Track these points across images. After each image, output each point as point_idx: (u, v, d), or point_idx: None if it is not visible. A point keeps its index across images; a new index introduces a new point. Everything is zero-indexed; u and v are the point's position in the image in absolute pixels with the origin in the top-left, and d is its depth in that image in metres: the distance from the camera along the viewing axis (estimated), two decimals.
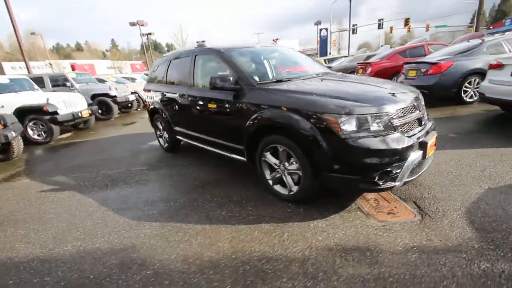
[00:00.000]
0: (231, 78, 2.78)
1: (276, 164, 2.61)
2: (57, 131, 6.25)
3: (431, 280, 1.58)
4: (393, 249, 1.85)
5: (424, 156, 2.24)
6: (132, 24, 28.34)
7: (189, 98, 3.53)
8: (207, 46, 3.54)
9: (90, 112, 7.19)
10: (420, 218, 2.16)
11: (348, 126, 2.04)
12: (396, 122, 2.13)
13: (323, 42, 20.35)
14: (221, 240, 2.13)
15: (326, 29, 21.07)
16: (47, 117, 6.03)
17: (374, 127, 2.06)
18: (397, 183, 2.12)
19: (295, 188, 2.49)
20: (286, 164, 2.51)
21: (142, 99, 11.26)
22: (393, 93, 2.33)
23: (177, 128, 4.15)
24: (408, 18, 28.75)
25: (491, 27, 34.13)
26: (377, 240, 1.96)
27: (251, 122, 2.62)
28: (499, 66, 4.09)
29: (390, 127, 2.10)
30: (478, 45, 5.64)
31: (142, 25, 28.44)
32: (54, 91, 8.34)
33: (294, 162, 2.43)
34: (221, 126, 3.16)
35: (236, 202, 2.71)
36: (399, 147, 2.05)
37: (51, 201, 3.18)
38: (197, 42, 3.69)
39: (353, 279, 1.63)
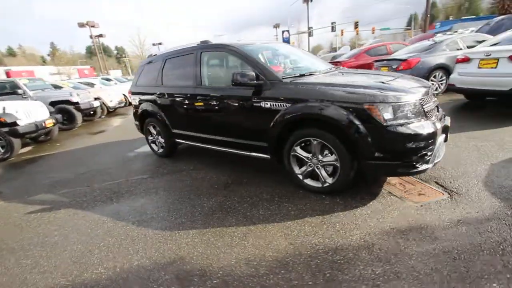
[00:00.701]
0: (253, 74, 2.71)
1: (307, 158, 2.61)
2: (18, 144, 5.39)
3: (489, 246, 1.73)
4: (443, 225, 1.99)
5: (446, 139, 2.46)
6: (81, 25, 25.78)
7: (197, 98, 3.35)
8: (213, 42, 3.41)
9: (54, 121, 6.37)
10: (449, 196, 2.37)
11: (388, 114, 2.14)
12: (426, 108, 2.30)
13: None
14: (276, 239, 2.06)
15: (288, 31, 21.86)
16: (5, 129, 5.17)
17: (410, 113, 2.19)
18: (429, 165, 2.28)
19: (330, 180, 2.53)
20: (320, 156, 2.53)
21: (106, 106, 10.34)
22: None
23: (176, 131, 3.90)
24: (357, 22, 31.30)
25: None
26: (424, 219, 2.09)
27: (281, 117, 2.59)
28: (466, 60, 4.68)
29: (422, 113, 2.25)
30: (439, 43, 6.38)
31: (93, 26, 26.04)
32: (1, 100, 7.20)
33: (329, 154, 2.47)
34: (239, 124, 3.06)
35: (269, 200, 2.65)
36: (432, 131, 2.21)
37: (47, 222, 2.73)
38: (200, 42, 3.52)
39: (424, 256, 1.71)
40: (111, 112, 10.90)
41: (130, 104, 5.10)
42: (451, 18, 48.68)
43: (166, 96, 3.83)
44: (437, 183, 2.60)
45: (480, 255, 1.66)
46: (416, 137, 2.14)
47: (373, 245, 1.87)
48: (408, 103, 2.19)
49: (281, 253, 1.91)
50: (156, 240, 2.22)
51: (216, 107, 3.17)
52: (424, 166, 2.25)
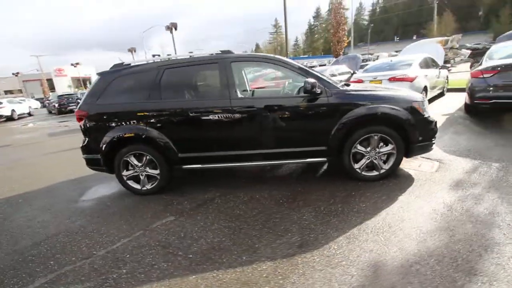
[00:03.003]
0: (318, 83, 2.87)
1: (366, 152, 3.06)
2: None
3: (459, 174, 2.86)
4: (469, 180, 3.01)
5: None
6: None
7: (236, 110, 2.98)
8: (236, 52, 3.18)
9: None
10: (439, 162, 3.52)
11: (424, 108, 3.02)
12: None
13: None
14: (402, 240, 2.11)
15: (159, 55, 20.80)
16: None
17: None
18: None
19: (386, 166, 3.08)
20: (377, 149, 3.05)
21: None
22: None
23: (185, 155, 3.17)
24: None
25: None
26: (459, 178, 3.03)
27: (346, 120, 2.90)
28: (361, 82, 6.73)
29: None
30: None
31: None
32: None
33: (385, 145, 3.03)
34: (298, 133, 3.05)
35: (347, 203, 2.70)
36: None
37: None
38: (220, 52, 3.15)
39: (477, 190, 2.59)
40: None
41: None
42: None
43: (174, 113, 3.09)
44: (423, 157, 3.76)
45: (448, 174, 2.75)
46: (435, 122, 3.13)
47: (465, 200, 2.58)
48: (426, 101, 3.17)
49: (423, 247, 2.24)
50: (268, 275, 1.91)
51: (267, 119, 2.99)
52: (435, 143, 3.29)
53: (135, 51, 30.84)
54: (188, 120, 3.10)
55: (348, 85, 3.40)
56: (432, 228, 2.19)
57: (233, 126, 3.05)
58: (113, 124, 3.19)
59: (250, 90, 3.82)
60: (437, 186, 2.88)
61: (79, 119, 3.31)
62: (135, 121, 3.15)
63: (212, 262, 2.02)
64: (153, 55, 21.91)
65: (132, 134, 3.15)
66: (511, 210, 2.31)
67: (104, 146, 3.22)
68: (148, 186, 3.36)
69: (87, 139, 3.36)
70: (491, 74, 4.84)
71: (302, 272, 1.85)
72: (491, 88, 4.81)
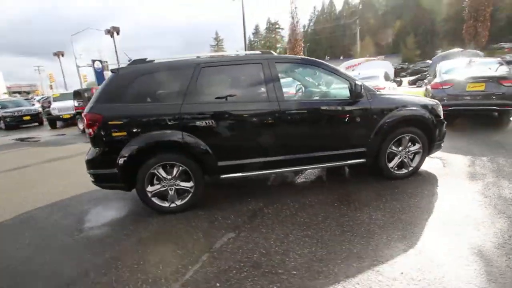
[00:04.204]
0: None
1: (398, 152, 3.28)
2: None
3: (502, 173, 3.43)
4: (477, 171, 3.51)
5: None
6: None
7: (286, 113, 2.83)
8: (276, 54, 3.06)
9: None
10: (441, 160, 4.03)
11: (441, 111, 3.43)
12: None
13: (99, 74, 17.47)
14: (481, 224, 2.33)
15: (101, 61, 18.05)
16: None
17: None
18: None
19: (414, 164, 3.36)
20: (406, 149, 3.30)
21: None
22: None
23: (225, 163, 2.86)
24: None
25: None
26: (467, 170, 3.50)
27: (386, 121, 3.08)
28: None
29: None
30: None
31: None
32: None
33: (412, 145, 3.31)
34: (341, 135, 3.07)
35: (399, 200, 2.82)
36: None
37: None
38: (261, 52, 2.97)
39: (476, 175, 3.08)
40: None
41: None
42: None
43: (215, 117, 2.76)
44: None
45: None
46: (445, 123, 3.59)
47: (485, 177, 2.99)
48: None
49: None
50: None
51: (313, 122, 2.95)
52: None
53: (63, 55, 26.55)
54: (231, 124, 2.82)
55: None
56: (487, 212, 2.46)
57: (279, 130, 2.90)
58: (138, 130, 2.67)
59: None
60: (457, 178, 3.27)
61: (90, 125, 2.66)
62: (166, 126, 2.70)
63: (326, 274, 1.83)
64: (93, 60, 19.33)
65: (165, 142, 2.68)
66: None
67: (125, 157, 2.65)
68: (178, 202, 2.88)
69: (99, 149, 2.72)
70: (448, 86, 5.86)
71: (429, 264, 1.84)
72: (448, 98, 5.80)
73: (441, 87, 5.95)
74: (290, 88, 4.35)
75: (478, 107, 5.60)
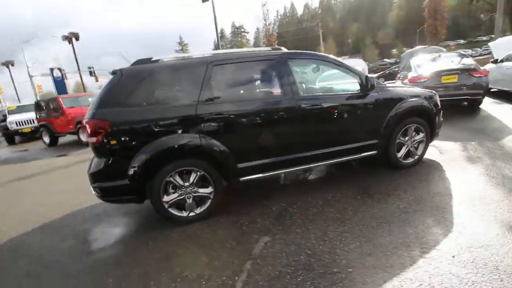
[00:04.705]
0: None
1: (405, 141, 3.39)
2: None
3: (495, 155, 3.71)
4: (473, 155, 3.76)
5: None
6: None
7: (303, 109, 2.77)
8: (286, 50, 2.99)
9: None
10: (438, 150, 4.27)
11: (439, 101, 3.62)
12: None
13: (59, 83, 15.84)
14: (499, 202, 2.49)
15: (60, 69, 16.31)
16: None
17: None
18: None
19: (419, 152, 3.49)
20: (412, 138, 3.42)
21: None
22: None
23: (244, 165, 2.71)
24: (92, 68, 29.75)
25: None
26: (464, 155, 3.74)
27: (396, 113, 3.16)
28: None
29: None
30: None
31: None
32: None
33: (417, 134, 3.44)
34: (355, 129, 3.09)
35: (416, 187, 2.91)
36: None
37: None
38: (271, 49, 2.87)
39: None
40: None
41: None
42: None
43: (234, 116, 2.61)
44: None
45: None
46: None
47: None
48: None
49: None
50: None
51: (330, 118, 2.93)
52: None
53: (12, 65, 23.73)
54: (249, 124, 2.69)
55: None
56: (501, 191, 2.62)
57: (297, 127, 2.84)
58: (151, 136, 2.42)
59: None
60: (459, 163, 3.46)
61: (94, 134, 2.34)
62: (182, 129, 2.49)
63: (382, 268, 1.78)
64: (51, 69, 17.62)
65: (182, 146, 2.47)
66: None
67: (138, 166, 2.38)
68: (197, 211, 2.67)
69: (106, 160, 2.41)
70: (425, 79, 6.27)
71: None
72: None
73: (418, 81, 6.35)
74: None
75: (453, 97, 6.06)
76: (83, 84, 22.65)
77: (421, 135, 3.46)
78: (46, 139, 9.26)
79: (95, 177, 2.45)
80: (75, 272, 2.11)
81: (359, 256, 1.94)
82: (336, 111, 2.98)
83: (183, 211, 2.65)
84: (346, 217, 2.48)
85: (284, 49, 3.02)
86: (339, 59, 3.26)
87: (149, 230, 2.65)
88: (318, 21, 50.24)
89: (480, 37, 40.08)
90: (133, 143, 2.40)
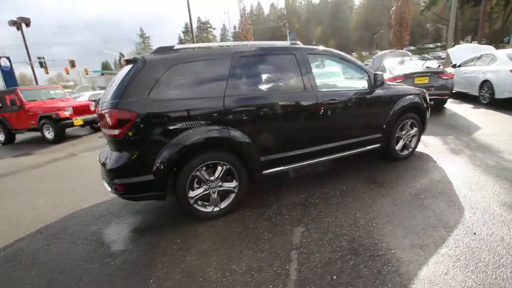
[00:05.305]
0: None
1: (402, 135, 3.68)
2: None
3: (472, 147, 4.21)
4: (455, 148, 4.21)
5: None
6: None
7: (322, 103, 2.86)
8: (302, 45, 3.05)
9: None
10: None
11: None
12: None
13: (7, 74, 13.65)
14: (495, 184, 3.06)
15: (9, 58, 13.94)
16: None
17: None
18: None
19: (412, 145, 3.83)
20: (408, 132, 3.74)
21: None
22: None
23: (267, 158, 2.73)
24: (73, 61, 28.08)
25: None
26: (447, 148, 4.18)
27: (398, 108, 3.42)
28: None
29: None
30: None
31: None
32: None
33: (411, 128, 3.77)
34: (363, 123, 3.28)
35: (419, 176, 3.28)
36: None
37: None
38: (290, 44, 2.90)
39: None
40: None
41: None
42: None
43: (259, 108, 2.59)
44: None
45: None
46: None
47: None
48: None
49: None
50: None
51: (344, 112, 3.06)
52: None
53: None
54: (273, 116, 2.71)
55: None
56: (489, 177, 3.01)
57: (317, 120, 2.92)
58: (178, 128, 2.31)
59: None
60: (445, 155, 3.87)
61: (118, 125, 2.16)
62: (210, 121, 2.41)
63: (422, 247, 1.95)
64: None
65: (212, 138, 2.39)
66: (502, 155, 3.51)
67: (165, 159, 2.26)
68: (222, 206, 2.61)
69: (129, 154, 2.23)
70: (400, 80, 6.84)
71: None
72: None
73: (395, 81, 6.91)
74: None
75: None
76: (35, 76, 20.18)
77: (415, 129, 3.80)
78: (1, 136, 8.13)
79: (117, 172, 2.26)
80: (107, 276, 1.93)
81: (394, 238, 2.09)
82: (350, 105, 3.14)
83: (207, 207, 2.57)
84: (367, 205, 2.64)
85: (301, 44, 3.09)
86: (350, 56, 3.44)
87: (171, 227, 2.52)
88: (285, 21, 51.44)
89: (428, 45, 44.81)
90: (160, 135, 2.27)
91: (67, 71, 25.57)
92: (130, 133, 2.18)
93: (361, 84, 3.33)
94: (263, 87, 2.80)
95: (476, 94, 7.31)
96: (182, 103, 2.35)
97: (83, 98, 11.65)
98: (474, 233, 2.08)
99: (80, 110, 7.79)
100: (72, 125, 7.42)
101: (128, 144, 2.23)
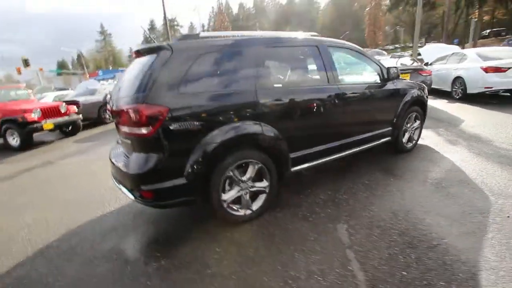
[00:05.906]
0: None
1: (407, 128, 3.80)
2: None
3: (467, 137, 4.48)
4: (451, 139, 4.46)
5: None
6: None
7: (345, 96, 2.82)
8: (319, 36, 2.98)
9: None
10: None
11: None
12: None
13: None
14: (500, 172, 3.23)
15: None
16: None
17: None
18: None
19: (416, 137, 3.97)
20: (412, 124, 3.87)
21: None
22: None
23: (296, 155, 2.62)
24: (27, 59, 25.38)
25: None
26: (445, 139, 4.41)
27: (406, 101, 3.52)
28: None
29: None
30: None
31: None
32: None
33: (414, 121, 3.91)
34: (376, 118, 3.33)
35: (429, 166, 3.42)
36: None
37: None
38: (310, 35, 2.79)
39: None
40: None
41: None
42: (111, 68, 55.87)
43: (290, 103, 2.46)
44: None
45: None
46: None
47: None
48: None
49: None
50: None
51: (363, 105, 3.07)
52: None
53: None
54: (302, 111, 2.60)
55: None
56: (494, 164, 3.21)
57: (342, 114, 2.89)
58: (212, 124, 2.10)
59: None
60: (445, 145, 4.07)
61: (147, 123, 1.89)
62: (243, 116, 2.24)
63: (467, 232, 1.99)
64: None
65: (248, 135, 2.21)
66: (496, 144, 3.79)
67: (199, 160, 2.04)
68: (254, 207, 2.44)
69: (159, 155, 1.97)
70: None
71: None
72: None
73: None
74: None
75: None
76: None
77: (418, 122, 3.95)
78: None
79: (145, 177, 1.98)
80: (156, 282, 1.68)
81: (441, 228, 2.11)
82: (368, 99, 3.15)
83: (239, 210, 2.39)
84: (397, 196, 2.65)
85: (317, 35, 3.03)
86: (364, 50, 3.46)
87: (202, 235, 2.29)
88: (256, 20, 51.52)
89: (388, 46, 48.01)
90: (192, 133, 2.04)
91: (19, 71, 22.91)
92: (161, 131, 1.92)
93: (375, 77, 3.36)
94: (292, 79, 2.70)
95: (449, 89, 7.91)
96: (214, 96, 2.14)
97: (47, 99, 10.52)
98: (508, 216, 2.17)
99: (49, 112, 6.96)
100: (41, 129, 6.59)
101: (158, 144, 1.96)
